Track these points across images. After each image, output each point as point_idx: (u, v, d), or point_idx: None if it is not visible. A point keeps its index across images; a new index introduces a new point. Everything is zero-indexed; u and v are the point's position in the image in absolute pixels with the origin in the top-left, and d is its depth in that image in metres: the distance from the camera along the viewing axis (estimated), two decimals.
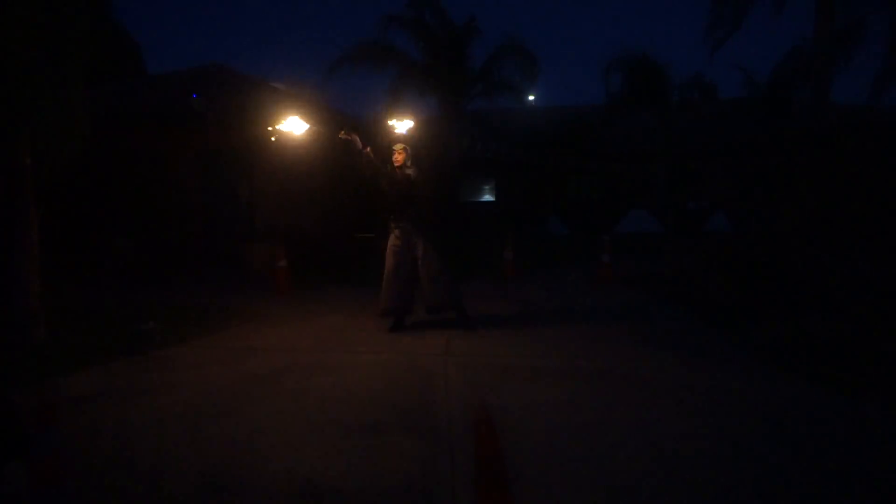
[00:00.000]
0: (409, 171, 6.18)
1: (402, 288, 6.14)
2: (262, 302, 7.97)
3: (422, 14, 14.73)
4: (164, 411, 3.99)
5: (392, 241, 6.22)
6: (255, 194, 10.90)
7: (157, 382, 4.62)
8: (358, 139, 6.10)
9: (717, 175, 18.81)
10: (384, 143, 6.48)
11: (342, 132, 6.10)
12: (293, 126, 6.31)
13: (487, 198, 21.33)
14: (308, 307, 7.57)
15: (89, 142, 5.78)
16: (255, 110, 10.99)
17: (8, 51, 5.25)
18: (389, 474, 3.06)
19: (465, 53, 15.03)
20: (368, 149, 6.12)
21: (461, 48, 14.92)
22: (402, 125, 6.44)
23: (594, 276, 9.64)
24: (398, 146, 6.25)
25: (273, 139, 6.26)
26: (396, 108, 14.85)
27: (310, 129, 6.34)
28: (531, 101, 22.75)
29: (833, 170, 6.14)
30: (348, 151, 6.16)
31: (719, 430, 3.58)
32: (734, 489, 2.89)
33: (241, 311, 7.34)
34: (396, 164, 6.20)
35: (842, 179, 5.99)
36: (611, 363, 5.06)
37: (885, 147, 5.95)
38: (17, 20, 5.24)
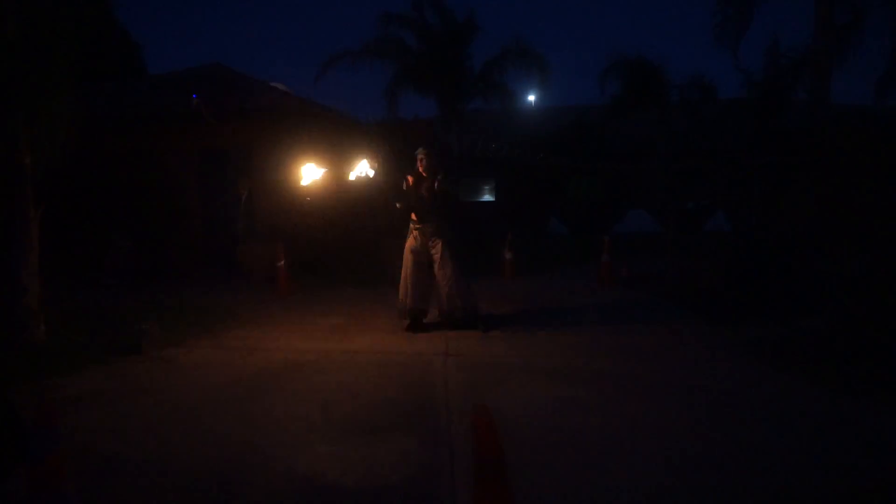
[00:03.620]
0: (436, 176, 6.21)
1: (423, 289, 6.20)
2: (261, 302, 7.97)
3: (422, 12, 14.70)
4: (164, 411, 3.99)
5: (410, 241, 6.24)
6: (255, 194, 10.89)
7: (156, 382, 4.62)
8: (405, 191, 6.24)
9: (717, 175, 18.80)
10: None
11: (398, 205, 6.29)
12: (363, 170, 6.32)
13: (487, 198, 21.33)
14: (308, 307, 7.57)
15: (84, 140, 5.77)
16: (254, 110, 10.98)
17: (4, 48, 5.25)
18: (389, 474, 3.06)
19: (465, 52, 15.01)
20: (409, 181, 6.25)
21: (461, 47, 14.88)
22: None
23: (594, 276, 9.64)
24: (421, 151, 6.28)
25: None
26: (396, 107, 14.84)
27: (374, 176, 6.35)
28: (531, 101, 22.73)
29: (831, 169, 6.15)
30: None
31: (719, 429, 3.58)
32: (734, 489, 2.89)
33: (240, 310, 7.34)
34: (421, 169, 6.24)
35: (840, 179, 6.00)
36: (610, 363, 5.06)
37: (884, 147, 5.96)
38: (13, 17, 5.24)
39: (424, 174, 6.24)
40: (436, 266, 6.16)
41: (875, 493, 2.89)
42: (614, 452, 3.28)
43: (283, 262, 8.71)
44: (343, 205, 11.40)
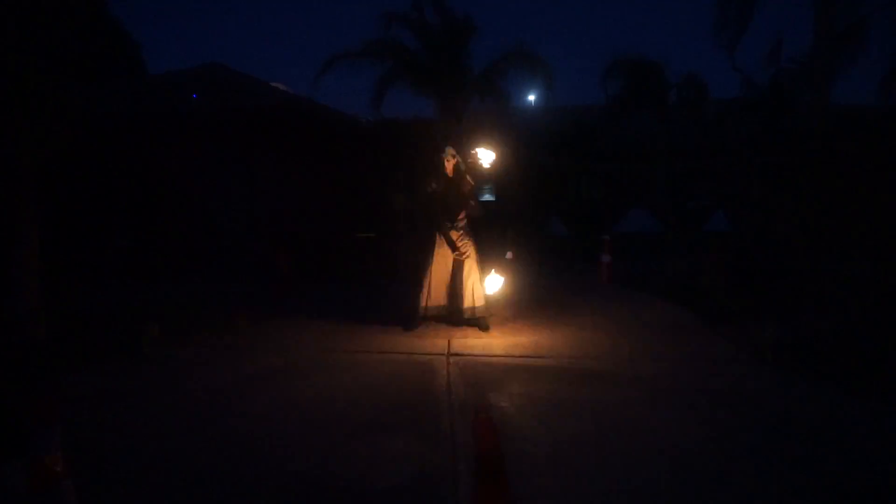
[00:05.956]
0: (466, 177, 6.16)
1: (441, 289, 6.23)
2: (262, 301, 7.97)
3: (422, 11, 14.71)
4: (164, 411, 3.98)
5: (439, 242, 6.21)
6: (256, 194, 10.90)
7: (156, 382, 4.62)
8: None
9: (717, 175, 18.81)
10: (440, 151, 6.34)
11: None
12: (485, 156, 6.24)
13: (487, 198, 21.33)
14: (308, 307, 7.57)
15: (84, 140, 5.77)
16: (254, 110, 10.99)
17: (4, 48, 5.25)
18: (390, 473, 3.06)
19: (465, 52, 15.01)
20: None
21: (461, 46, 14.89)
22: (485, 156, 6.30)
23: (595, 276, 9.64)
24: (450, 152, 6.20)
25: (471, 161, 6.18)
26: (393, 106, 14.83)
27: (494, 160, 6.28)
28: (531, 101, 22.75)
29: (832, 170, 6.15)
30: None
31: (720, 430, 3.58)
32: (736, 489, 2.89)
33: (240, 310, 7.33)
34: (450, 170, 6.14)
35: (841, 180, 5.99)
36: (611, 363, 5.06)
37: (884, 148, 5.96)
38: (10, 16, 5.24)
39: (452, 175, 6.13)
40: (462, 267, 6.16)
41: (875, 495, 2.88)
42: (615, 452, 3.28)
43: (284, 262, 8.72)
44: (348, 204, 11.40)
